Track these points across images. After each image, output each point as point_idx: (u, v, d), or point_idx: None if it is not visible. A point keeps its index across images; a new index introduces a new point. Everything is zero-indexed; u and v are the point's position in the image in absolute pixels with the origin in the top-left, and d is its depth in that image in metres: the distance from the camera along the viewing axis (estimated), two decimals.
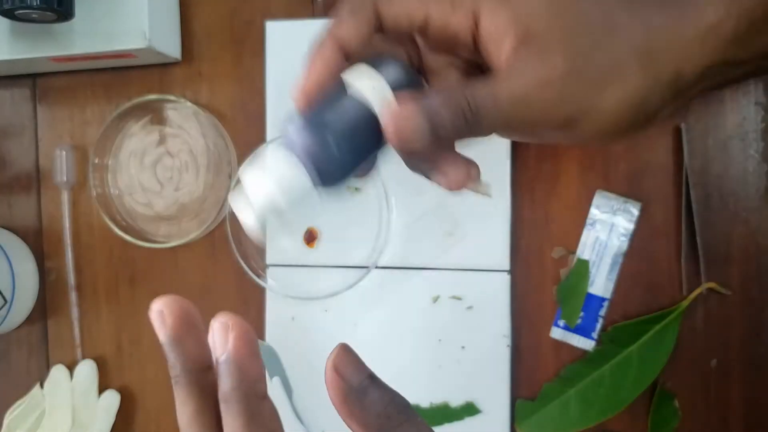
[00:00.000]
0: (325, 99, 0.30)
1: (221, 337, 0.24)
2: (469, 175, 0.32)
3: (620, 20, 0.32)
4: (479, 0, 0.31)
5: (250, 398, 0.24)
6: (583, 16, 0.32)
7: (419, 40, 0.34)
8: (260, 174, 0.28)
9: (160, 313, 0.25)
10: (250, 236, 0.28)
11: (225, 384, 0.24)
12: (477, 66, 0.34)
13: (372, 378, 0.26)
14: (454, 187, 0.32)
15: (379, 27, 0.32)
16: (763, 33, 0.33)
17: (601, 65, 0.31)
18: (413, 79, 0.31)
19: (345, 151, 0.28)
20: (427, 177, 0.33)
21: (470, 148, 0.34)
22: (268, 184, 0.27)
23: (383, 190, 0.53)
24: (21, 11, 0.47)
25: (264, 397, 0.25)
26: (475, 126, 0.30)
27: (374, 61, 0.31)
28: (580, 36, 0.31)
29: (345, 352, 0.26)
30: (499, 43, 0.30)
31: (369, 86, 0.29)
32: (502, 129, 0.31)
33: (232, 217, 0.55)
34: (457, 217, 0.53)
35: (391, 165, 0.54)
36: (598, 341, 0.52)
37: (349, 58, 0.32)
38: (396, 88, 0.29)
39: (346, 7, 0.32)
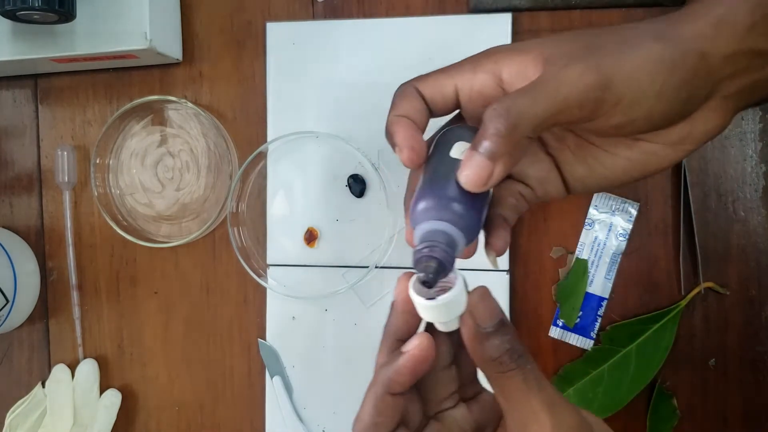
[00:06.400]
0: (427, 179, 0.33)
1: None
2: (494, 247, 0.37)
3: (628, 32, 0.34)
4: (495, 57, 0.34)
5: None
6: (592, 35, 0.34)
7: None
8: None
9: None
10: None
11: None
12: None
13: (501, 324, 0.30)
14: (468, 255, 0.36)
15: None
16: None
17: (616, 42, 0.33)
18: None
19: (469, 208, 0.32)
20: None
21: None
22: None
23: (383, 190, 0.53)
24: (23, 12, 0.47)
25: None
26: (516, 132, 0.31)
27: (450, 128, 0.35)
28: (593, 40, 0.33)
29: (482, 297, 0.30)
30: (526, 78, 0.33)
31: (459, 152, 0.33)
32: (545, 127, 0.32)
33: (233, 216, 0.55)
34: None
35: (391, 166, 0.54)
36: (597, 340, 0.52)
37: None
38: None
39: (396, 96, 0.35)
